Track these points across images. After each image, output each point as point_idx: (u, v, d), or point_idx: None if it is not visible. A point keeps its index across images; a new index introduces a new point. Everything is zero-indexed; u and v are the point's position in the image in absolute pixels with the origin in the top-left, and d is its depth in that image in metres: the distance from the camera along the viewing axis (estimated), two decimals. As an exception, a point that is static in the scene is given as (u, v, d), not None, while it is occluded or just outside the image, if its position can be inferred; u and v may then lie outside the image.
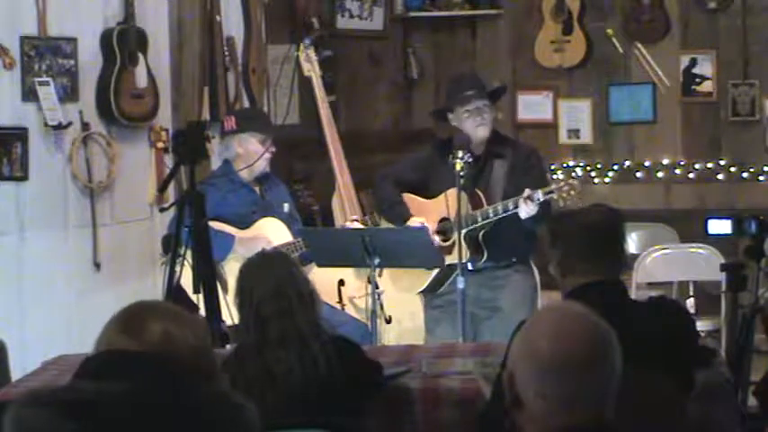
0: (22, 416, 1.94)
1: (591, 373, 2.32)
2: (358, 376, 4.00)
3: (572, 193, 5.43)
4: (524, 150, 5.90)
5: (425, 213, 5.75)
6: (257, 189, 6.25)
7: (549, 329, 2.36)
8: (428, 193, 5.83)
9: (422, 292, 5.90)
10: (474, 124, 5.70)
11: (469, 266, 5.59)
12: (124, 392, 1.99)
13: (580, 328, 2.35)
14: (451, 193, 5.47)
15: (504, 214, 5.50)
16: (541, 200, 5.40)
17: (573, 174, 8.11)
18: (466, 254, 5.54)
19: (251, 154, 6.13)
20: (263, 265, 4.11)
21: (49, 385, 2.12)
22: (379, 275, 5.74)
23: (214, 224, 5.70)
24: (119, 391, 1.98)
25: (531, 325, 2.41)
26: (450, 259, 5.58)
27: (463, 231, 5.49)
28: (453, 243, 5.57)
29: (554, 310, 2.50)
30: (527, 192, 5.41)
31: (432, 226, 5.70)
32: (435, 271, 5.74)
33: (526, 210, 5.42)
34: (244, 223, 6.09)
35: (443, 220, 5.72)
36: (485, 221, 5.57)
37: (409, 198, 5.84)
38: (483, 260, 5.70)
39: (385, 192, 5.89)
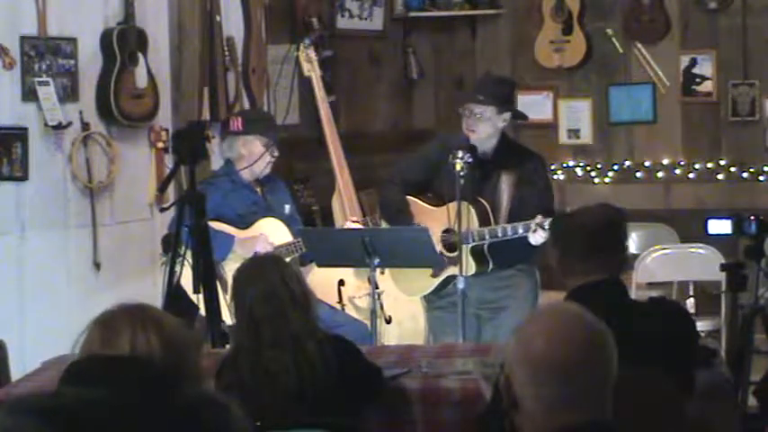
0: (4, 424, 1.94)
1: (587, 373, 2.32)
2: (356, 376, 4.01)
3: None
4: (531, 160, 5.81)
5: (428, 221, 5.71)
6: (258, 190, 6.25)
7: (543, 331, 2.35)
8: (431, 190, 5.80)
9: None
10: (464, 126, 5.67)
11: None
12: (103, 398, 1.99)
13: (575, 330, 2.35)
14: (455, 205, 5.46)
15: (513, 236, 5.50)
16: None
17: (573, 174, 8.12)
18: (472, 267, 5.55)
19: (254, 156, 6.13)
20: (255, 269, 4.14)
21: (32, 392, 2.13)
22: (381, 272, 5.72)
23: (214, 224, 5.70)
24: (99, 397, 1.98)
25: (526, 327, 2.40)
26: (454, 271, 5.55)
27: (470, 246, 5.50)
28: (458, 256, 5.55)
29: (549, 312, 2.50)
30: (539, 218, 5.39)
31: (435, 236, 5.67)
32: (440, 277, 5.72)
33: (536, 238, 5.43)
34: (244, 223, 6.09)
35: (447, 231, 5.69)
36: (492, 240, 5.56)
37: (413, 203, 5.80)
38: (488, 270, 5.68)
39: (390, 196, 5.85)
